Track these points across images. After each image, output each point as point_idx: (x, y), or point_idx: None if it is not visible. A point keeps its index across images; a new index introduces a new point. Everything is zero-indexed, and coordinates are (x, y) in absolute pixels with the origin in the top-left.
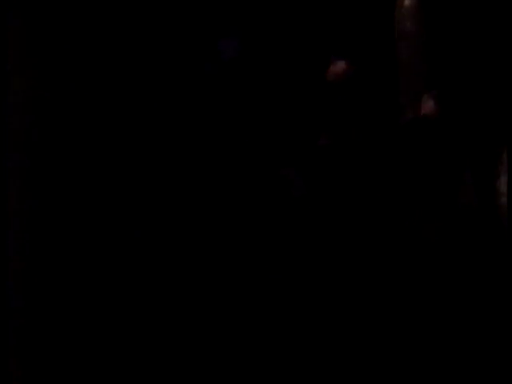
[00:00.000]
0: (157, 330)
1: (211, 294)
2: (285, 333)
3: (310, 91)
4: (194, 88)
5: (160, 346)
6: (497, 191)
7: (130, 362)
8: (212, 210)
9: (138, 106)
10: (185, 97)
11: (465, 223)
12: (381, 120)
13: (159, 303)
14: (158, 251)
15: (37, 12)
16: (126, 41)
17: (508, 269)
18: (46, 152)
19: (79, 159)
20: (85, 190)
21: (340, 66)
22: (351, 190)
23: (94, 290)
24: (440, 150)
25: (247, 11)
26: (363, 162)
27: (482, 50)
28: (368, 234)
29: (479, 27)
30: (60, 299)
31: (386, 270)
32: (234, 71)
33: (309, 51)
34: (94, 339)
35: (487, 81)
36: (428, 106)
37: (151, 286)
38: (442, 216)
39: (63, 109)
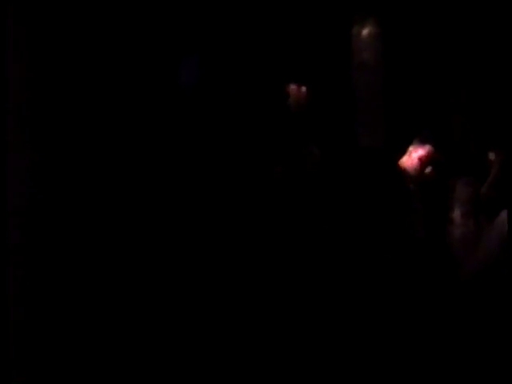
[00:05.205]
0: (157, 329)
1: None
2: (283, 331)
3: (268, 118)
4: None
5: (160, 345)
6: (450, 222)
7: (130, 361)
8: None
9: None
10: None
11: (413, 254)
12: (337, 148)
13: (159, 303)
14: (158, 250)
15: (37, 12)
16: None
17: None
18: (45, 152)
19: (78, 159)
20: (84, 189)
21: (301, 92)
22: (305, 217)
23: (93, 291)
24: (391, 180)
25: (208, 33)
26: (316, 188)
27: (439, 79)
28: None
29: (438, 56)
30: (60, 300)
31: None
32: (194, 96)
33: (266, 77)
34: (94, 339)
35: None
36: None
37: (151, 284)
38: (391, 246)
39: (63, 109)
